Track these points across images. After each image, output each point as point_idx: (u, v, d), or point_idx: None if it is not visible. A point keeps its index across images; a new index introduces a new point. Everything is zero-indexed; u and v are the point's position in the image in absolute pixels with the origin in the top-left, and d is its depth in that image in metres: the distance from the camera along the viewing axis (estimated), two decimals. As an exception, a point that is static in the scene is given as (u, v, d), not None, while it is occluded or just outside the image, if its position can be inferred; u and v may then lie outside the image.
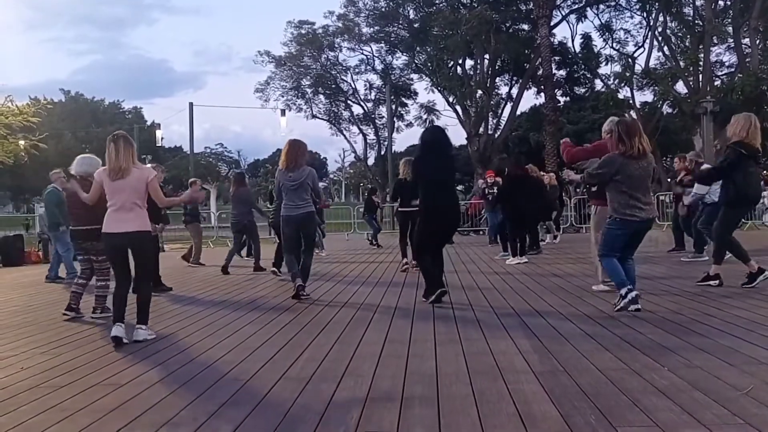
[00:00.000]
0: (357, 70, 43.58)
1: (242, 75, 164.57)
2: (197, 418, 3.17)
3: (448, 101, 40.00)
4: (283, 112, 33.92)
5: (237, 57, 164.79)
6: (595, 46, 38.55)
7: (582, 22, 38.62)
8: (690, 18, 34.55)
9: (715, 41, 33.47)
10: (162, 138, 41.77)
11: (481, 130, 38.13)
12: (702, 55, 31.91)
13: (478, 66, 39.15)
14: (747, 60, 31.61)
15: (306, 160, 7.30)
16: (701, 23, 32.71)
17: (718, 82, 33.25)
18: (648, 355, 4.07)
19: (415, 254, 7.53)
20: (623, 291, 5.61)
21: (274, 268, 9.89)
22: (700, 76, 31.98)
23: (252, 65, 51.28)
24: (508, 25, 38.23)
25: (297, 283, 7.14)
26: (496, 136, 38.87)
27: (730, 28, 32.78)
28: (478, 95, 38.41)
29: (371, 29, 41.44)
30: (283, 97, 42.98)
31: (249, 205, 11.29)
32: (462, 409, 3.16)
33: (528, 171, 11.95)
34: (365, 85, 44.18)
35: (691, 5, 34.34)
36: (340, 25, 41.38)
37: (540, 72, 36.41)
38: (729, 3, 32.98)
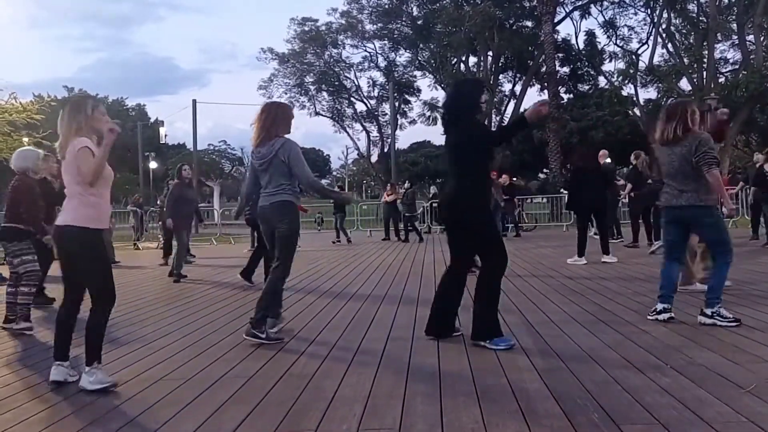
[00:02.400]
0: (360, 67, 43.68)
1: (247, 73, 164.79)
2: (199, 416, 3.18)
3: (451, 98, 39.92)
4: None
5: (242, 55, 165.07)
6: (599, 42, 38.58)
7: (586, 18, 38.63)
8: (694, 15, 34.46)
9: (720, 38, 33.38)
10: (165, 135, 41.84)
11: (485, 127, 38.15)
12: (706, 52, 31.81)
13: (482, 63, 39.15)
14: (751, 57, 31.51)
15: (285, 130, 5.03)
16: (705, 20, 32.61)
17: (722, 79, 33.16)
18: (651, 353, 4.06)
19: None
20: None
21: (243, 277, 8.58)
22: (704, 73, 31.89)
23: (257, 63, 51.51)
24: (511, 22, 38.21)
25: (265, 332, 4.83)
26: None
27: (735, 24, 32.69)
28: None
29: (374, 26, 41.49)
30: (286, 94, 43.08)
31: (188, 203, 10.24)
32: (465, 405, 3.16)
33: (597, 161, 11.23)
34: (368, 82, 44.28)
35: (695, 2, 34.23)
36: (344, 22, 41.42)
37: (543, 69, 36.42)
38: (733, 0, 32.87)
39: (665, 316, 5.06)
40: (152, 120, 60.27)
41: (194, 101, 31.44)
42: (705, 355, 3.96)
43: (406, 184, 20.69)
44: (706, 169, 4.79)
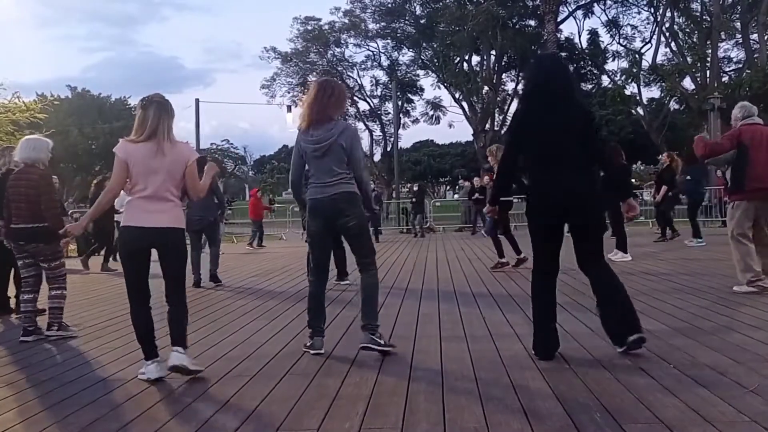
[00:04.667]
0: (363, 66, 43.70)
1: (252, 72, 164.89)
2: (200, 415, 3.19)
3: (454, 97, 40.02)
4: (289, 108, 34.04)
5: (247, 54, 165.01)
6: (602, 42, 38.56)
7: (589, 17, 38.61)
8: (697, 13, 34.38)
9: (723, 37, 33.29)
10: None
11: (488, 126, 38.12)
12: (709, 50, 31.74)
13: (485, 62, 39.13)
14: (755, 56, 31.43)
15: (342, 111, 4.51)
16: (709, 18, 32.53)
17: (725, 78, 33.08)
18: (654, 352, 4.05)
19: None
20: None
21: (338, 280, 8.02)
22: (708, 72, 31.81)
23: (261, 62, 51.47)
24: (514, 21, 38.17)
25: (313, 347, 4.36)
26: (503, 132, 38.80)
27: (738, 23, 32.61)
28: (484, 91, 38.43)
29: (377, 25, 41.50)
30: (289, 93, 43.11)
31: (210, 196, 8.73)
32: (467, 404, 3.16)
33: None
34: (371, 81, 44.31)
35: (698, 1, 34.17)
36: (347, 21, 41.42)
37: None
38: (737, -2, 32.79)
39: None
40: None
41: (197, 100, 31.51)
42: (708, 354, 3.96)
43: (415, 186, 21.17)
44: None
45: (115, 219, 11.66)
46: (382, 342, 4.25)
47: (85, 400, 3.55)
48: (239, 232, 22.05)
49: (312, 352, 4.35)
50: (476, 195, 18.34)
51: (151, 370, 3.83)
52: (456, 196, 28.22)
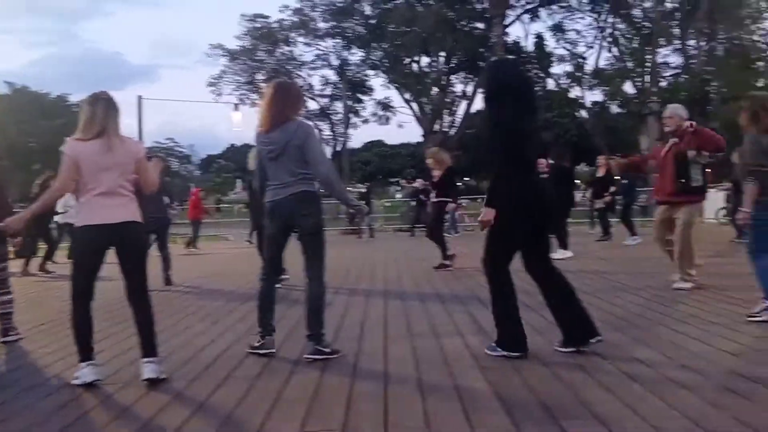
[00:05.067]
0: (312, 66, 43.33)
1: (200, 69, 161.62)
2: (141, 417, 3.10)
3: (404, 98, 40.15)
4: (236, 107, 33.42)
5: (195, 50, 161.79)
6: (548, 45, 39.28)
7: (535, 22, 39.26)
8: (638, 20, 35.44)
9: (662, 43, 34.42)
10: (112, 131, 40.69)
11: (437, 127, 38.42)
12: (649, 56, 32.79)
13: (434, 63, 39.41)
14: (692, 62, 32.62)
15: (298, 111, 4.41)
16: (649, 25, 33.59)
17: (664, 83, 34.21)
18: (592, 349, 4.15)
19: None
20: None
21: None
22: (647, 77, 32.86)
23: (209, 59, 50.67)
24: (463, 23, 38.57)
25: (264, 347, 4.31)
26: (452, 133, 39.19)
27: (677, 30, 33.78)
28: (433, 93, 38.69)
29: (327, 24, 41.25)
30: (236, 91, 42.46)
31: (160, 196, 8.47)
32: (409, 405, 3.17)
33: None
34: (321, 81, 43.99)
35: (639, 7, 35.24)
36: (296, 19, 41.05)
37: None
38: (676, 5, 33.96)
39: None
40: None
41: (140, 97, 30.63)
42: (643, 351, 4.07)
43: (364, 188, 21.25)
44: None
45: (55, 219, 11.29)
46: (328, 350, 4.20)
47: (19, 406, 3.42)
48: (183, 233, 21.62)
49: (263, 351, 4.27)
50: (420, 196, 18.46)
51: (85, 373, 3.71)
52: (398, 195, 28.36)
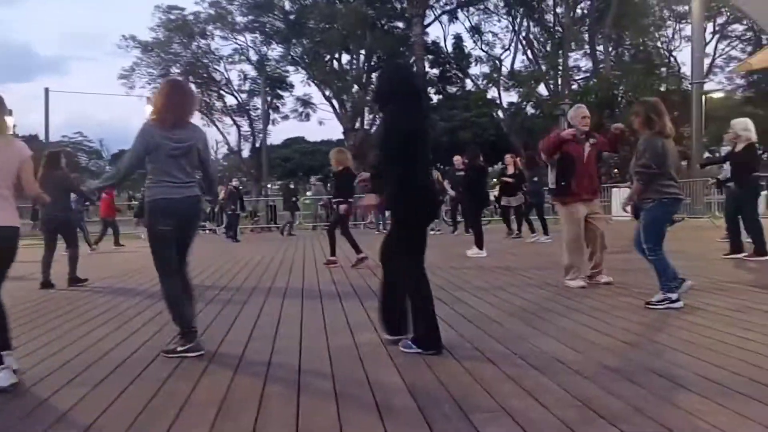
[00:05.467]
0: (231, 60, 42.52)
1: (113, 61, 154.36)
2: (35, 428, 2.94)
3: (324, 95, 40.04)
4: (148, 100, 32.29)
5: (107, 42, 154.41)
6: (466, 47, 40.16)
7: (453, 23, 40.13)
8: (551, 24, 36.78)
9: (573, 47, 35.87)
10: (15, 125, 38.56)
11: (357, 125, 38.50)
12: (561, 59, 34.08)
13: (354, 61, 39.46)
14: (601, 66, 34.13)
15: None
16: (561, 30, 34.91)
17: (575, 86, 35.65)
18: (502, 343, 4.27)
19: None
20: (674, 296, 5.24)
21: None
22: (560, 79, 34.14)
23: (123, 51, 48.39)
24: (383, 22, 38.85)
25: (201, 350, 4.26)
26: (372, 131, 39.35)
27: (587, 35, 35.27)
28: (354, 90, 38.75)
29: (245, 18, 40.55)
30: (150, 84, 41.06)
31: (66, 194, 8.38)
32: (322, 405, 3.15)
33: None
34: (239, 76, 43.20)
35: (552, 12, 36.55)
36: (212, 12, 40.13)
37: (414, 69, 37.27)
38: (586, 12, 35.44)
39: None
40: (-1, 108, 55.24)
41: (47, 89, 29.43)
42: (550, 343, 4.22)
43: (234, 182, 20.74)
44: None
45: None
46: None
47: None
48: (93, 230, 20.73)
49: (194, 354, 4.18)
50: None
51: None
52: (308, 193, 28.22)
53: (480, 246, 10.28)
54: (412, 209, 4.14)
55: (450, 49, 40.64)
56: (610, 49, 34.63)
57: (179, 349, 4.22)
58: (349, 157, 9.87)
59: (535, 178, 13.52)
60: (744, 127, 8.63)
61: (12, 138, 3.81)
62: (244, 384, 3.56)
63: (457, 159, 15.85)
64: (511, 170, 13.91)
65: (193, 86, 4.87)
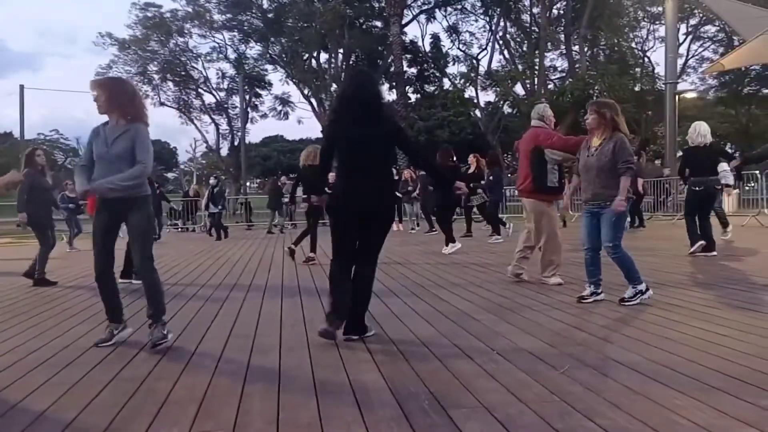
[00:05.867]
0: (209, 58, 42.23)
1: (88, 58, 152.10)
2: (12, 429, 2.92)
3: (303, 93, 39.91)
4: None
5: (83, 38, 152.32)
6: (444, 46, 40.31)
7: (431, 22, 40.26)
8: (527, 24, 37.05)
9: (549, 47, 36.15)
10: (-13, 122, 37.93)
11: (335, 123, 38.40)
12: (537, 59, 34.33)
13: (333, 60, 39.38)
14: (576, 66, 34.45)
15: (136, 112, 4.57)
16: (537, 30, 35.17)
17: (551, 85, 35.94)
18: (481, 339, 4.32)
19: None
20: (643, 287, 5.46)
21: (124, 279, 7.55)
22: (536, 79, 34.39)
23: (99, 48, 47.67)
24: (361, 21, 38.83)
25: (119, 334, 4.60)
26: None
27: (563, 35, 35.57)
28: (332, 89, 38.65)
29: (223, 16, 40.26)
30: (127, 82, 40.50)
31: (41, 192, 8.35)
32: (302, 401, 3.17)
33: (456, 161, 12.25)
34: (217, 74, 42.92)
35: (528, 12, 36.82)
36: (190, 9, 39.79)
37: (392, 69, 37.35)
38: (562, 12, 35.74)
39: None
40: (-30, 106, 54.46)
41: (22, 86, 28.97)
42: (528, 340, 4.28)
43: (212, 180, 20.44)
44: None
45: None
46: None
47: None
48: (67, 230, 20.44)
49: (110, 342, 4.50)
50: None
51: None
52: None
53: (452, 240, 10.57)
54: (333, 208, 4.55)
55: (428, 48, 40.80)
56: (586, 49, 34.94)
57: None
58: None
59: (491, 177, 13.66)
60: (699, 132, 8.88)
61: None
62: (223, 383, 3.56)
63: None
64: (472, 170, 14.03)
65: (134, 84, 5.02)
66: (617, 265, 5.48)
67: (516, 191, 7.17)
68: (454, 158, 11.33)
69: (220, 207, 17.90)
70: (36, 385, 3.60)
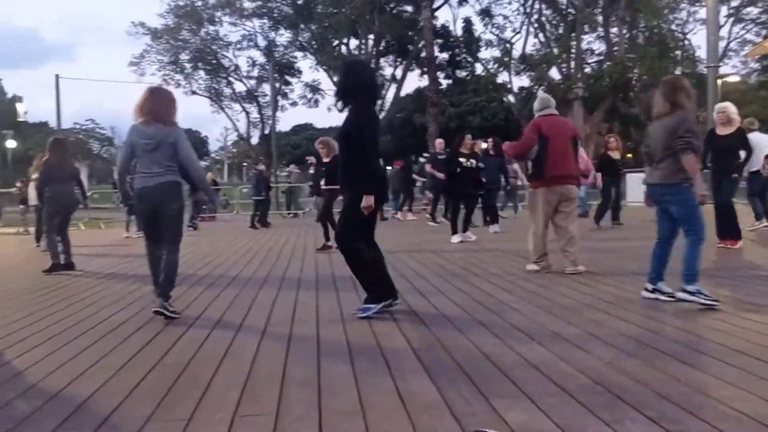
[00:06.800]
0: (239, 46, 42.25)
1: (120, 47, 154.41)
2: (64, 410, 2.98)
3: (332, 80, 39.76)
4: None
5: (116, 28, 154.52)
6: (476, 30, 39.71)
7: (463, 6, 39.59)
8: (563, 6, 36.32)
9: (586, 30, 35.43)
10: (25, 112, 38.86)
11: (366, 110, 38.29)
12: (574, 42, 33.70)
13: (363, 46, 39.20)
14: (615, 49, 33.74)
15: (174, 120, 5.32)
16: (573, 12, 34.48)
17: (588, 69, 35.27)
18: (521, 330, 4.28)
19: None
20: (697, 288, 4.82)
21: None
22: (572, 63, 33.78)
23: (130, 38, 48.46)
24: (392, 5, 38.49)
25: (157, 306, 5.04)
26: (381, 117, 39.15)
27: (600, 17, 34.82)
28: (363, 76, 38.50)
29: (253, 4, 40.30)
30: (160, 71, 40.99)
31: (71, 178, 8.54)
32: (342, 388, 3.17)
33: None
34: (248, 62, 43.01)
35: (564, -7, 36.09)
36: (221, -3, 39.90)
37: (423, 54, 37.03)
38: (599, -8, 34.96)
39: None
40: (9, 96, 55.72)
41: (57, 76, 29.49)
42: (570, 330, 4.22)
43: (260, 167, 20.23)
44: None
45: None
46: (172, 309, 5.01)
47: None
48: (106, 217, 20.91)
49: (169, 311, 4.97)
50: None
51: None
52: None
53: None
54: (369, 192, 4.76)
55: (460, 32, 40.27)
56: (624, 31, 34.17)
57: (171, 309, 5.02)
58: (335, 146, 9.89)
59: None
60: (736, 111, 8.60)
61: None
62: (264, 368, 3.59)
63: (439, 143, 15.89)
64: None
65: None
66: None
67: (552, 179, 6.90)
68: (473, 144, 11.05)
69: (263, 195, 17.75)
70: (83, 369, 3.67)
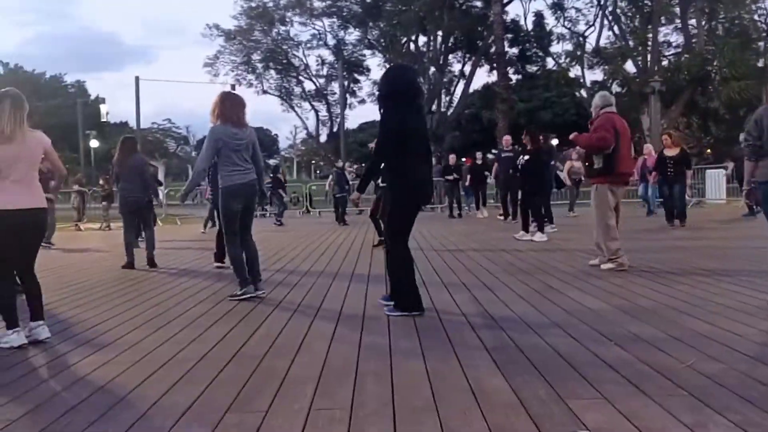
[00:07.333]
0: (309, 45, 43.04)
1: (195, 49, 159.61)
2: (147, 398, 3.11)
3: (401, 78, 39.78)
4: (232, 87, 33.23)
5: (190, 30, 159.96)
6: (547, 24, 38.92)
7: (534, 0, 38.96)
8: (639, -3, 35.10)
9: (663, 21, 34.16)
10: (107, 113, 40.69)
11: (434, 107, 38.22)
12: (650, 34, 32.54)
13: (431, 43, 39.11)
14: (693, 41, 32.41)
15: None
16: (650, 3, 33.28)
17: (665, 62, 34.00)
18: (596, 329, 4.18)
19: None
20: None
21: (218, 263, 8.04)
22: (649, 55, 32.63)
23: (204, 40, 49.73)
24: (461, 1, 38.21)
25: (253, 293, 5.72)
26: (449, 113, 38.99)
27: (678, 8, 33.49)
28: (431, 72, 38.46)
29: (323, 3, 40.87)
30: (233, 72, 42.20)
31: (143, 177, 8.54)
32: (415, 384, 3.18)
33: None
34: (317, 61, 43.72)
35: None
36: (292, -2, 40.64)
37: (492, 49, 36.58)
38: (677, -16, 33.65)
39: None
40: (93, 97, 58.47)
41: (137, 78, 30.72)
42: (647, 330, 4.10)
43: (339, 164, 20.42)
44: None
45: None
46: (261, 291, 5.82)
47: None
48: (182, 213, 21.63)
49: (246, 296, 5.64)
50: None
51: (14, 338, 4.14)
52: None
53: (542, 230, 10.21)
54: (406, 195, 4.88)
55: (530, 27, 39.57)
56: (703, 22, 32.76)
57: (237, 293, 5.71)
58: None
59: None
60: None
61: (32, 129, 4.27)
62: (337, 362, 3.64)
63: (507, 139, 15.52)
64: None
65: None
66: None
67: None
68: (543, 140, 10.76)
69: (344, 192, 17.90)
70: (165, 359, 3.82)
